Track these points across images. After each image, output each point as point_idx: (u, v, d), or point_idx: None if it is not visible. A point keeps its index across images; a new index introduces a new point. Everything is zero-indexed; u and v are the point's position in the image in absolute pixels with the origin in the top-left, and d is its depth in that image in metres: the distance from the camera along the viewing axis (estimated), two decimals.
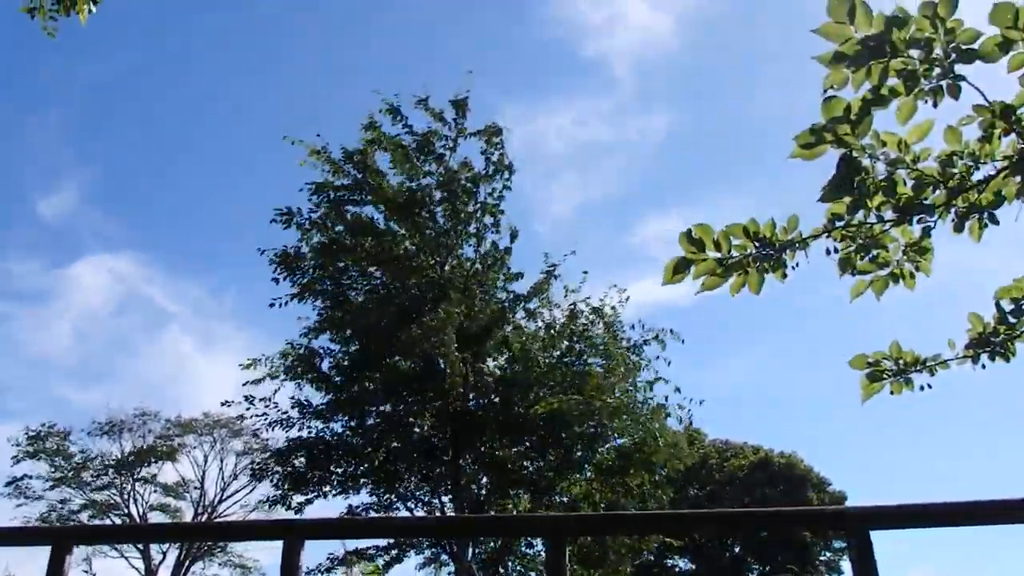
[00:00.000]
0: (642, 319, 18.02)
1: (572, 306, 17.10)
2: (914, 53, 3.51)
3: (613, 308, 17.17)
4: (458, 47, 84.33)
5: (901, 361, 4.07)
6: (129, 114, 74.58)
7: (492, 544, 16.49)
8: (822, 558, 42.12)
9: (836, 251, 3.83)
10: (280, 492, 16.35)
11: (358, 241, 16.62)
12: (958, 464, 67.48)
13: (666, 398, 16.34)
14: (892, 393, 4.09)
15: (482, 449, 16.57)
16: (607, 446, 15.99)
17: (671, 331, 16.89)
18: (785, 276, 3.80)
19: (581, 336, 16.67)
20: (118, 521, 40.07)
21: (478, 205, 17.02)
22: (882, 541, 3.32)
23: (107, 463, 40.96)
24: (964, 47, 3.46)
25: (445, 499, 16.67)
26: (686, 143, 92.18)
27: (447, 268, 16.98)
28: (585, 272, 17.67)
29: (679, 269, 3.77)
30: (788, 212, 3.81)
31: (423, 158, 17.09)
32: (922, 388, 4.05)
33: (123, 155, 73.75)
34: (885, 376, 4.09)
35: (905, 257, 3.89)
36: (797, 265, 3.79)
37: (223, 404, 16.62)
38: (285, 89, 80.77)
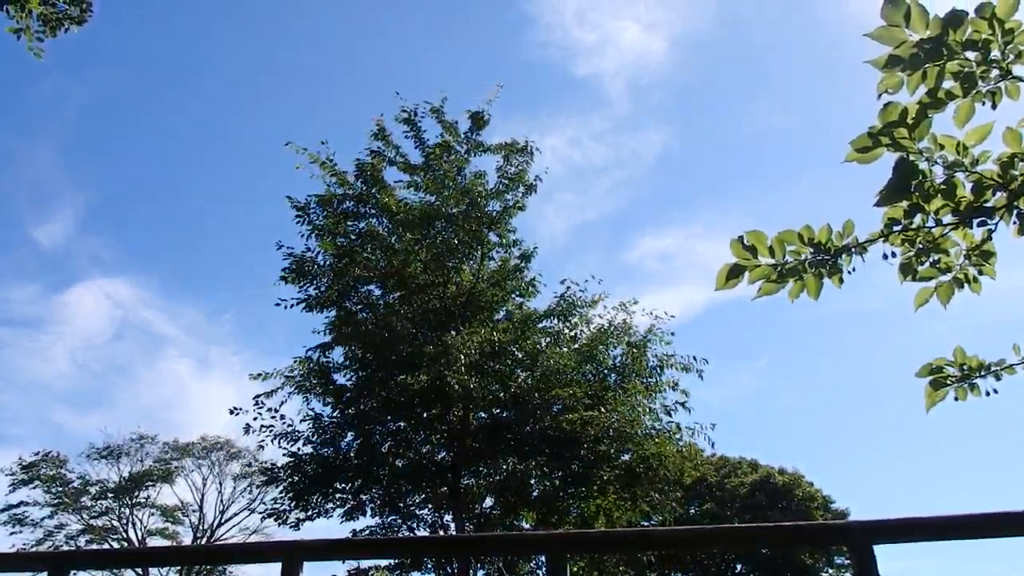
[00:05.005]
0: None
1: (606, 322, 16.98)
2: (971, 55, 3.48)
3: (651, 329, 16.98)
4: (451, 69, 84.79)
5: (965, 367, 4.01)
6: (123, 137, 74.76)
7: (498, 565, 16.31)
8: (824, 575, 41.93)
9: (894, 256, 3.78)
10: (283, 505, 16.02)
11: (369, 254, 16.55)
12: (962, 476, 67.49)
13: (677, 423, 16.23)
14: (957, 399, 4.02)
15: (487, 468, 16.44)
16: (617, 463, 15.79)
17: (695, 359, 16.65)
18: (842, 281, 3.76)
19: (595, 357, 16.47)
20: (116, 546, 39.76)
21: (488, 221, 16.85)
22: (885, 557, 3.23)
23: (105, 488, 40.73)
24: (1022, 48, 3.44)
25: (448, 518, 16.51)
26: (680, 161, 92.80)
27: (454, 287, 16.86)
28: (636, 300, 17.49)
29: (732, 275, 3.73)
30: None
31: (434, 171, 16.97)
32: (988, 393, 4.00)
33: (118, 179, 74.04)
34: (949, 382, 4.03)
35: (968, 261, 3.84)
36: (854, 270, 3.75)
37: (232, 412, 16.17)
38: (283, 112, 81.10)
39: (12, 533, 38.64)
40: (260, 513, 36.48)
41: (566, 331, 17.13)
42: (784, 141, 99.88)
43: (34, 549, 37.69)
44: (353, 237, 16.79)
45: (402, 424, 16.33)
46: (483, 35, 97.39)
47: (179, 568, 37.55)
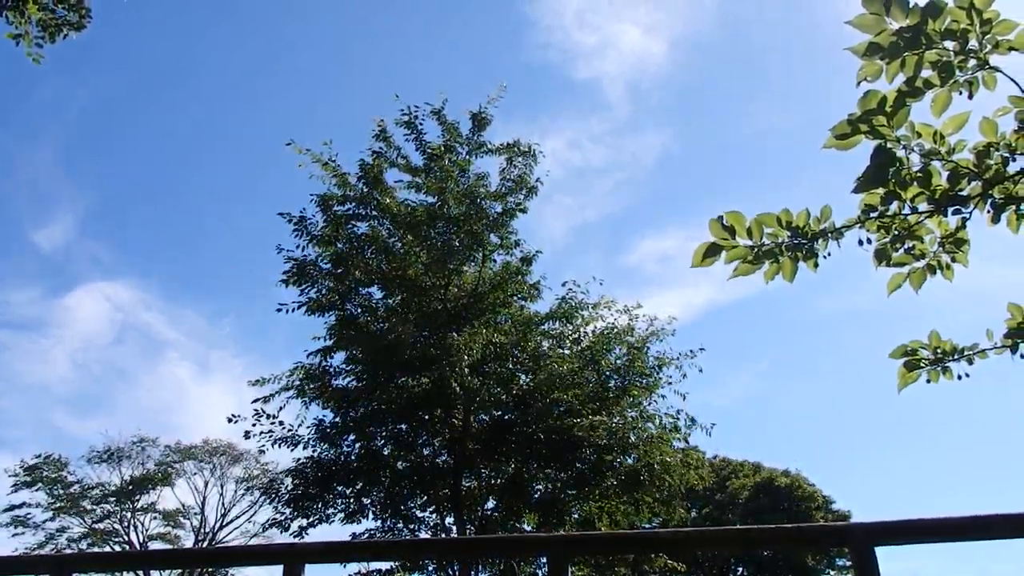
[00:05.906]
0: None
1: (608, 325, 16.97)
2: (949, 44, 3.52)
3: (651, 330, 17.02)
4: (451, 71, 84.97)
5: (939, 350, 4.05)
6: (122, 139, 75.00)
7: (498, 566, 16.24)
8: None
9: (869, 242, 3.82)
10: (284, 514, 15.98)
11: (370, 256, 16.55)
12: (963, 477, 67.31)
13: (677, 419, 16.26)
14: (929, 381, 4.06)
15: (488, 469, 16.44)
16: (620, 467, 15.76)
17: (691, 351, 16.72)
18: (817, 265, 3.79)
19: (596, 360, 16.44)
20: (118, 549, 39.73)
21: (489, 223, 16.81)
22: (885, 558, 3.24)
23: (106, 491, 40.72)
24: (1000, 38, 3.48)
25: (450, 520, 16.46)
26: (680, 162, 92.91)
27: (455, 289, 16.86)
28: (639, 304, 17.46)
29: (709, 254, 3.75)
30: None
31: (435, 172, 16.95)
32: (960, 377, 4.04)
33: (117, 180, 74.21)
34: (922, 365, 4.07)
35: (941, 249, 3.88)
36: (829, 255, 3.79)
37: (230, 419, 16.04)
38: (282, 113, 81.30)
39: (14, 535, 38.66)
40: (261, 525, 36.68)
41: (568, 333, 17.12)
42: (784, 141, 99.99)
43: (36, 552, 37.66)
44: (353, 241, 16.78)
45: (403, 427, 16.31)
46: (483, 37, 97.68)
47: (180, 571, 37.55)
